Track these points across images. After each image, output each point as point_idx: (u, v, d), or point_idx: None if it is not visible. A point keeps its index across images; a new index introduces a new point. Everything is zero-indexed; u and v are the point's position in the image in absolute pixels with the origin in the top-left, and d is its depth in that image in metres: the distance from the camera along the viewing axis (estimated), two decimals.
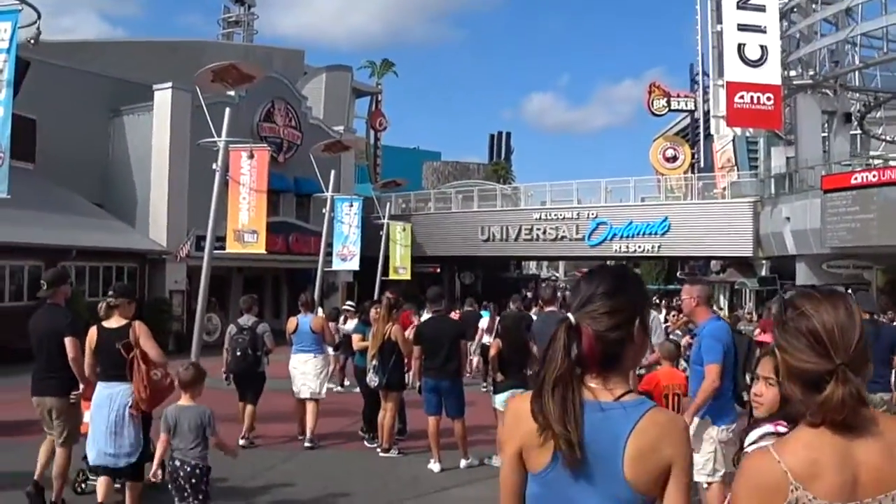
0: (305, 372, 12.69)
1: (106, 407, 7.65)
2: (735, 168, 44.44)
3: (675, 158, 53.82)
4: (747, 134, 35.92)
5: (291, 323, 13.63)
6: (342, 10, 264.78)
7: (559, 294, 17.70)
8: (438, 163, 69.11)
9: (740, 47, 32.13)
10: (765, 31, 32.28)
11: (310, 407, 12.38)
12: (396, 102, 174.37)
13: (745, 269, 47.64)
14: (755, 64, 32.17)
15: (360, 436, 12.77)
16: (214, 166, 20.52)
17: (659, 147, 54.99)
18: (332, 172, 28.55)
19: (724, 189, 40.19)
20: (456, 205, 44.12)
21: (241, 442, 11.71)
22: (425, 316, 15.00)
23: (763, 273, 45.14)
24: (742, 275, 47.10)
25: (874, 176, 28.17)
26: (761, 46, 32.20)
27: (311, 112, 39.13)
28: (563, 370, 2.38)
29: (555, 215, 39.43)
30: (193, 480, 6.69)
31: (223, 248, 21.83)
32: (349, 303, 17.34)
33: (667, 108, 54.93)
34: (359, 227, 29.11)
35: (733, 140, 48.17)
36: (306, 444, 12.13)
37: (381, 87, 52.70)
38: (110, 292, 8.16)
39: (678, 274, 58.63)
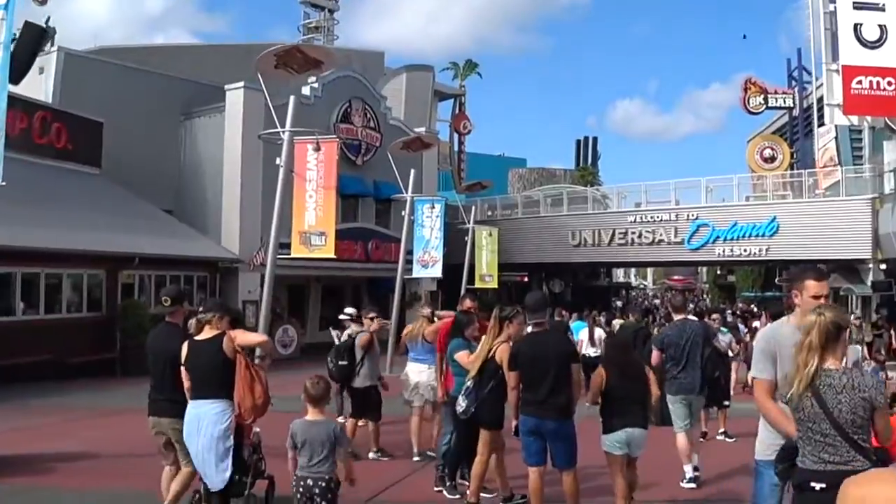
0: (420, 382, 11.54)
1: (195, 428, 7.13)
2: (839, 166, 40.53)
3: (773, 158, 50.01)
4: (866, 122, 32.16)
5: (409, 330, 12.34)
6: (427, 19, 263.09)
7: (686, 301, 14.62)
8: (524, 169, 66.49)
9: (856, 27, 28.62)
10: (883, 9, 28.71)
11: (416, 419, 11.57)
12: (482, 110, 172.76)
13: (850, 275, 44.00)
14: (874, 45, 28.61)
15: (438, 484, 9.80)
16: (278, 161, 18.08)
17: (756, 147, 51.22)
18: (412, 172, 25.94)
19: (826, 189, 36.56)
20: (544, 209, 41.05)
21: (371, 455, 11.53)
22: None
23: (872, 277, 41.62)
24: (847, 280, 43.47)
25: None
26: (880, 26, 28.65)
27: (390, 113, 36.55)
28: None
29: (651, 217, 36.12)
30: (329, 496, 6.50)
31: (289, 254, 19.67)
32: (348, 310, 14.52)
33: (764, 106, 51.11)
34: (441, 230, 26.40)
35: (836, 137, 44.51)
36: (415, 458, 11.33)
37: (465, 89, 50.03)
38: (200, 308, 7.67)
39: (777, 280, 54.84)
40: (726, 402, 13.77)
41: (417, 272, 26.39)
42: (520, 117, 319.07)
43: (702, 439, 13.00)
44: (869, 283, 41.71)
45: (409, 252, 26.52)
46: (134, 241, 25.31)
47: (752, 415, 13.93)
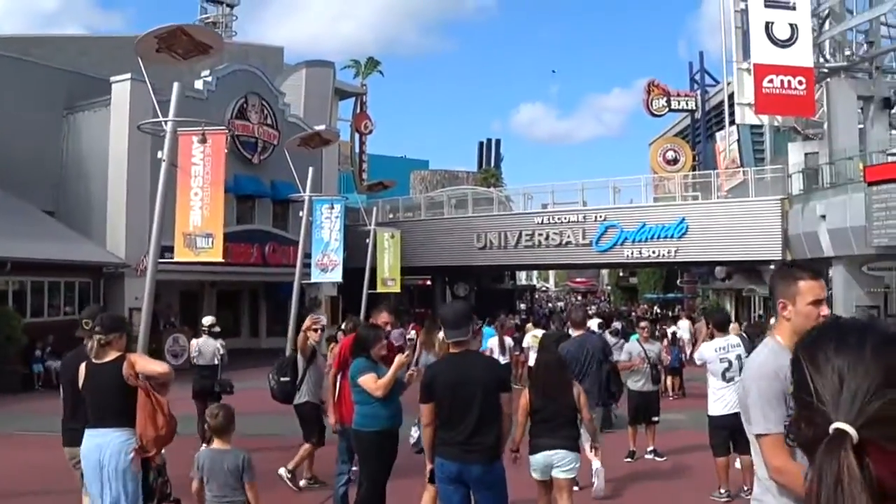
0: None
1: (96, 460, 6.33)
2: (741, 168, 40.03)
3: (675, 160, 49.64)
4: (776, 121, 31.40)
5: None
6: (332, 19, 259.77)
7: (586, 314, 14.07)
8: (426, 171, 64.93)
9: (768, 26, 27.96)
10: (794, 8, 28.21)
11: None
12: (385, 110, 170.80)
13: (752, 276, 43.73)
14: (784, 44, 28.00)
15: None
16: (160, 154, 16.16)
17: (659, 149, 50.81)
18: (311, 170, 24.07)
19: (729, 192, 35.94)
20: (448, 210, 39.49)
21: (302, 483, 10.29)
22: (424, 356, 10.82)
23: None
24: (749, 281, 43.17)
25: None
26: (791, 25, 28.07)
27: (289, 109, 34.67)
28: None
29: (558, 219, 34.83)
30: None
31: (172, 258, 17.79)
32: (207, 320, 12.94)
33: (666, 108, 50.75)
34: (341, 232, 24.59)
35: (738, 139, 44.18)
36: None
37: (366, 87, 48.14)
38: (97, 328, 6.61)
39: (678, 282, 54.53)
40: (655, 419, 12.51)
41: (316, 276, 24.53)
42: (423, 119, 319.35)
43: (629, 459, 12.25)
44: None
45: (308, 255, 24.78)
46: (7, 244, 23.01)
47: (679, 427, 12.34)
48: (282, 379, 10.30)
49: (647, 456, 12.41)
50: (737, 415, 9.07)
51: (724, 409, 9.44)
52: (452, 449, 6.07)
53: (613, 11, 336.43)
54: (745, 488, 9.76)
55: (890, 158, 26.44)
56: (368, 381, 7.47)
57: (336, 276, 24.63)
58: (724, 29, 30.47)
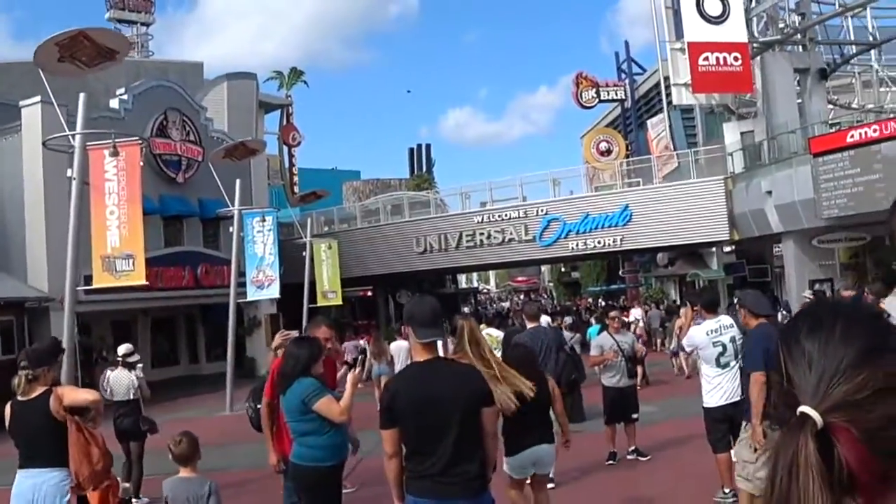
0: None
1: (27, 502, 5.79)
2: (675, 155, 39.32)
3: (609, 151, 48.78)
4: (713, 101, 30.65)
5: None
6: (253, 39, 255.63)
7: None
8: (358, 182, 63.55)
9: (699, 3, 27.39)
10: None
11: None
12: (313, 125, 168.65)
13: (695, 260, 43.20)
14: (717, 20, 27.33)
15: None
16: (70, 172, 14.74)
17: (592, 140, 49.96)
18: (238, 182, 22.67)
19: (665, 178, 35.16)
20: (385, 217, 38.09)
21: None
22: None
23: (717, 261, 40.54)
24: (692, 266, 42.63)
25: (875, 130, 23.16)
26: (722, 1, 27.33)
27: (212, 125, 33.00)
28: None
29: (499, 216, 33.52)
30: None
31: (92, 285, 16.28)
32: (122, 349, 11.47)
33: (596, 100, 49.91)
34: (275, 246, 23.26)
35: (670, 125, 43.61)
36: None
37: (292, 99, 46.50)
38: (23, 362, 6.13)
39: (620, 272, 53.81)
40: (634, 416, 11.33)
41: (252, 294, 23.13)
42: (353, 131, 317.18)
43: (611, 461, 11.12)
44: (714, 267, 40.91)
45: (243, 273, 23.39)
46: None
47: (654, 420, 11.09)
48: (258, 406, 8.96)
49: (630, 457, 11.26)
50: (736, 404, 7.88)
51: (721, 399, 8.36)
52: (425, 483, 4.68)
53: (534, 12, 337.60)
54: None
55: (833, 129, 25.86)
56: (329, 405, 6.11)
57: (273, 292, 23.28)
58: (655, 9, 29.64)
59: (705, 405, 8.58)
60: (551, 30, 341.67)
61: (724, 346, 8.46)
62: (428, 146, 70.24)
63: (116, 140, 14.90)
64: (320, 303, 30.50)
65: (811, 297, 24.27)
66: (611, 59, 52.70)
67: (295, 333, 10.12)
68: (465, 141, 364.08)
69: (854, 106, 34.66)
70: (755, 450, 7.07)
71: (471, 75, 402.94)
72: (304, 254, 29.01)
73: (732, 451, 7.99)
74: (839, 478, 1.25)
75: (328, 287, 30.73)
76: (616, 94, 50.44)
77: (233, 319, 21.84)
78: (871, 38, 31.21)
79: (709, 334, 8.53)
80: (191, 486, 5.96)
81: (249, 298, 23.48)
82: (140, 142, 15.50)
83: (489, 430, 4.85)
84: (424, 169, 67.43)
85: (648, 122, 47.58)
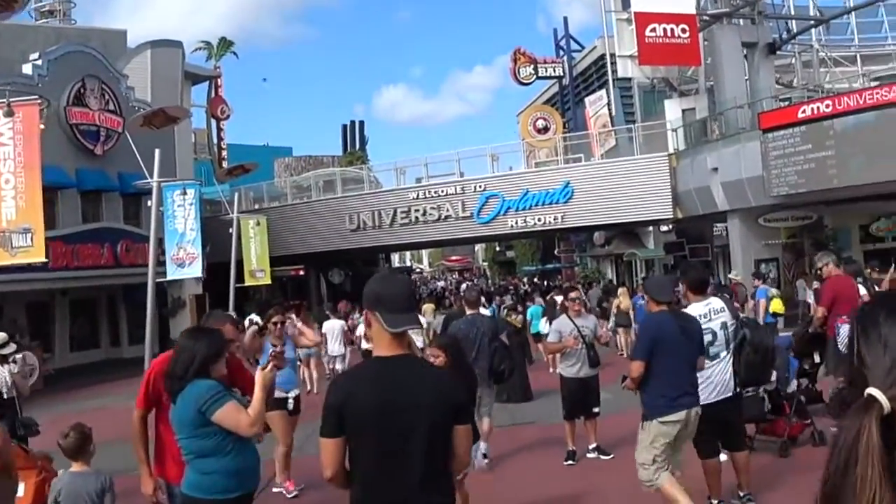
0: None
1: None
2: (613, 133, 38.27)
3: (546, 129, 47.43)
4: (658, 74, 29.53)
5: None
6: (186, 14, 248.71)
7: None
8: (290, 158, 61.63)
9: None
10: None
11: None
12: (246, 102, 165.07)
13: (632, 240, 42.43)
14: None
15: None
16: None
17: (529, 118, 48.44)
18: (157, 152, 20.81)
19: (603, 156, 34.08)
20: (317, 193, 36.36)
21: None
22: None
23: (654, 240, 39.66)
24: (629, 245, 41.85)
25: (828, 105, 22.15)
26: None
27: (133, 94, 30.98)
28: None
29: (435, 192, 31.95)
30: None
31: None
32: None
33: (534, 76, 48.49)
34: (197, 221, 21.47)
35: (609, 102, 42.59)
36: None
37: (221, 70, 44.37)
38: None
39: (556, 252, 52.76)
40: (595, 409, 9.99)
41: (172, 273, 21.29)
42: (287, 108, 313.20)
43: (570, 461, 9.93)
44: (651, 246, 40.11)
45: (164, 251, 21.64)
46: None
47: (609, 410, 9.56)
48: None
49: (590, 455, 9.97)
50: (727, 401, 6.42)
51: (710, 396, 7.10)
52: None
53: None
54: (742, 494, 7.44)
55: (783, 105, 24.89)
56: (235, 414, 4.63)
57: (195, 270, 21.50)
58: None
59: None
60: (489, 8, 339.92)
61: (714, 334, 7.19)
62: (361, 123, 68.46)
63: (12, 100, 13.15)
64: (248, 282, 28.81)
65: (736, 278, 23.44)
66: (548, 40, 51.44)
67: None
68: (399, 120, 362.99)
69: (795, 85, 33.86)
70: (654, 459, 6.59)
71: (406, 53, 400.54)
72: (230, 231, 27.24)
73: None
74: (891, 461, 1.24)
75: (256, 266, 29.02)
76: (554, 71, 49.11)
77: (152, 299, 19.90)
78: (817, 14, 30.33)
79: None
80: (83, 481, 5.54)
81: (169, 277, 21.64)
82: (39, 101, 13.73)
83: (460, 455, 3.66)
84: (358, 146, 65.67)
85: (586, 99, 46.52)
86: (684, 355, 6.59)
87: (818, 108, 22.22)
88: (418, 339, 20.22)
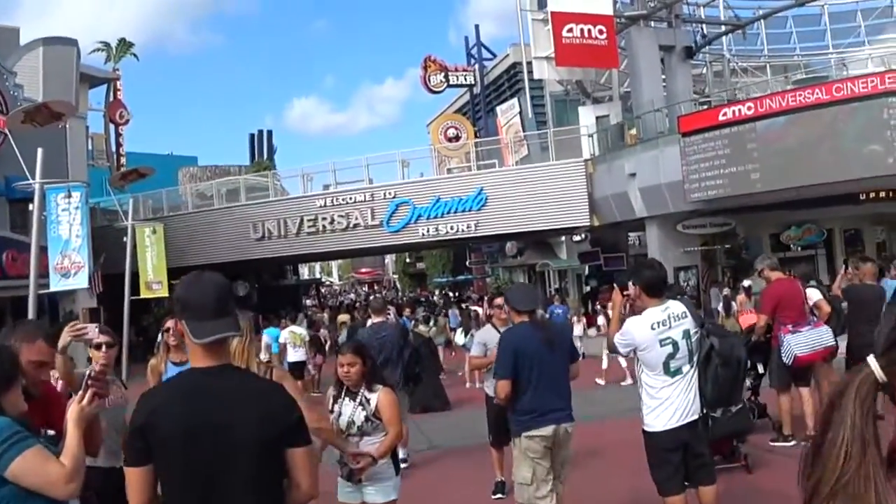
0: None
1: None
2: (524, 142, 37.24)
3: (457, 137, 46.33)
4: (573, 78, 28.52)
5: None
6: (89, 18, 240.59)
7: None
8: (195, 168, 59.36)
9: None
10: None
11: None
12: (150, 109, 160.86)
13: (544, 250, 41.64)
14: None
15: None
16: None
17: (439, 127, 47.36)
18: (40, 151, 18.86)
19: (517, 164, 32.97)
20: (219, 200, 34.38)
21: None
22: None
23: (565, 251, 38.79)
24: (541, 256, 41.00)
25: (749, 108, 21.28)
26: None
27: (22, 92, 28.76)
28: (863, 471, 1.35)
29: (343, 199, 30.11)
30: None
31: None
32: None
33: (445, 84, 47.52)
34: (85, 227, 19.60)
35: (520, 111, 41.70)
36: None
37: (120, 72, 42.18)
38: None
39: (467, 263, 51.69)
40: None
41: (56, 284, 19.38)
42: (194, 118, 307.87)
43: (500, 495, 8.71)
44: (564, 256, 39.23)
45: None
46: None
47: None
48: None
49: None
50: (692, 426, 6.02)
51: (672, 420, 5.92)
52: None
53: (383, 2, 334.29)
54: None
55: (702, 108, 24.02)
56: (38, 465, 3.19)
57: (81, 281, 19.59)
58: None
59: (648, 429, 6.07)
60: (400, 21, 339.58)
61: (676, 345, 5.96)
62: (269, 132, 66.57)
63: None
64: (144, 294, 26.90)
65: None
66: (460, 52, 50.26)
67: (92, 327, 7.13)
68: (309, 131, 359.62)
69: (707, 94, 33.33)
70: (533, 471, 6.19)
71: (317, 65, 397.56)
72: (125, 239, 25.34)
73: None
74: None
75: (153, 277, 27.09)
76: (465, 79, 48.23)
77: (33, 313, 18.11)
78: (733, 18, 29.70)
79: (654, 328, 5.98)
80: None
81: (53, 288, 19.75)
82: None
83: (303, 485, 3.12)
84: (266, 156, 63.72)
85: (498, 108, 45.71)
86: (551, 367, 6.23)
87: (739, 110, 21.34)
88: (297, 351, 19.19)
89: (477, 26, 50.32)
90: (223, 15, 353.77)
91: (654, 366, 5.98)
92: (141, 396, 3.19)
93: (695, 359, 6.08)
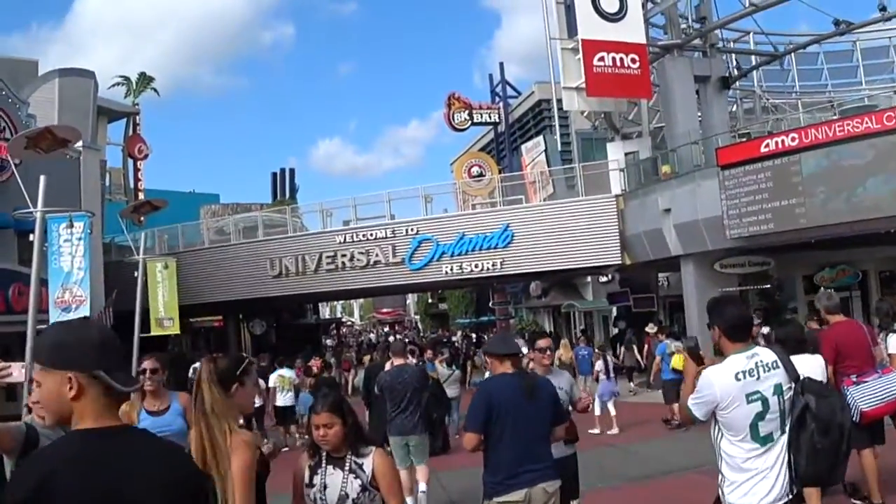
0: None
1: None
2: (550, 178, 35.80)
3: (482, 175, 45.06)
4: (604, 110, 27.15)
5: None
6: (115, 63, 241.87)
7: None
8: (217, 205, 58.37)
9: None
10: None
11: None
12: (178, 151, 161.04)
13: (569, 291, 40.22)
14: (614, 17, 24.05)
15: None
16: None
17: (463, 165, 46.06)
18: (42, 179, 17.61)
19: (545, 199, 31.62)
20: (236, 237, 33.05)
21: None
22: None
23: (591, 293, 37.38)
24: (566, 297, 39.53)
25: (793, 139, 19.74)
26: None
27: (35, 122, 27.63)
28: None
29: (363, 235, 28.75)
30: None
31: None
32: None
33: (469, 122, 46.34)
34: (87, 257, 18.32)
35: (546, 149, 40.32)
36: None
37: (140, 107, 41.20)
38: None
39: (490, 304, 50.16)
40: (574, 502, 7.02)
41: (56, 318, 18.08)
42: (219, 159, 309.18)
43: None
44: (590, 297, 37.76)
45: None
46: None
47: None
48: None
49: None
50: None
51: (767, 498, 4.54)
52: None
53: (408, 48, 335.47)
54: None
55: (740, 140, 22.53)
56: None
57: (82, 315, 18.26)
58: (545, 4, 25.88)
59: None
60: (425, 65, 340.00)
61: (766, 402, 4.57)
62: (292, 171, 65.78)
63: None
64: (154, 331, 25.50)
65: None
66: (485, 95, 49.08)
67: (17, 366, 6.14)
68: (334, 172, 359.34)
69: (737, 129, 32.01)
70: None
71: (342, 107, 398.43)
72: (135, 274, 24.08)
73: None
74: None
75: (164, 313, 25.72)
76: (490, 117, 47.03)
77: (30, 350, 16.80)
78: (772, 50, 28.33)
79: (739, 379, 4.56)
80: None
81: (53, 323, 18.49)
82: None
83: None
84: (288, 195, 62.68)
85: (523, 146, 44.36)
86: (528, 420, 5.59)
87: (783, 141, 19.80)
88: (286, 396, 18.22)
89: (501, 64, 49.29)
90: (249, 58, 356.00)
91: (738, 429, 4.57)
92: (24, 462, 2.90)
93: (787, 422, 4.63)
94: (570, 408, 6.95)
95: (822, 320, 8.91)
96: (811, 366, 6.87)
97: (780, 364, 4.68)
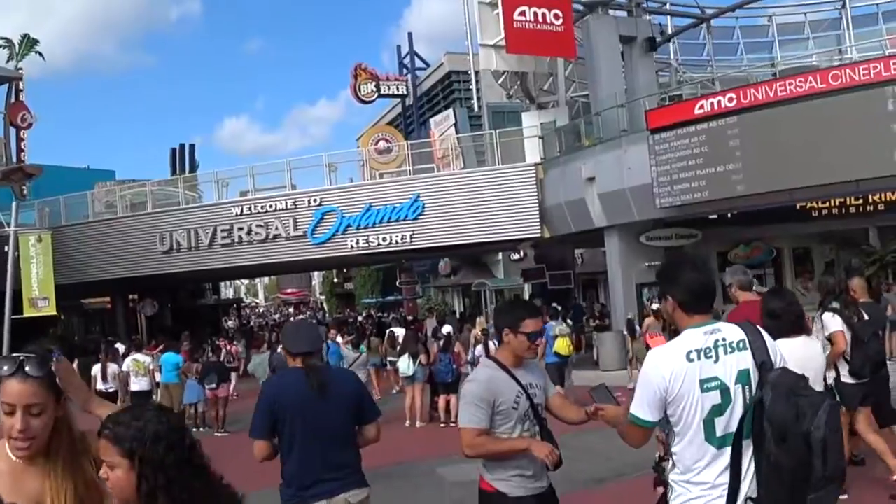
0: None
1: None
2: (461, 156, 33.61)
3: (388, 151, 42.71)
4: (524, 67, 25.00)
5: None
6: (14, 33, 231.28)
7: None
8: (113, 182, 54.78)
9: None
10: None
11: None
12: (77, 129, 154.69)
13: (480, 269, 38.50)
14: None
15: None
16: None
17: (370, 139, 43.62)
18: None
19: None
20: (122, 210, 29.96)
21: None
22: None
23: (502, 270, 35.78)
24: (476, 275, 37.74)
25: (731, 100, 17.88)
26: None
27: None
28: None
29: (262, 207, 26.07)
30: None
31: None
32: None
33: (376, 94, 43.98)
34: None
35: (455, 123, 38.34)
36: None
37: (23, 72, 37.64)
38: None
39: (398, 283, 47.99)
40: None
41: None
42: (123, 137, 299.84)
43: None
44: (501, 276, 36.16)
45: None
46: None
47: None
48: None
49: None
50: None
51: None
52: None
53: (317, 25, 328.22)
54: None
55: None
56: None
57: None
58: None
59: None
60: (334, 43, 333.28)
61: (726, 393, 3.38)
62: (192, 146, 61.85)
63: None
64: (28, 313, 22.62)
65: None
66: (393, 69, 46.75)
67: None
68: (240, 151, 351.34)
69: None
70: None
71: (249, 86, 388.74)
72: (6, 249, 21.16)
73: None
74: None
75: (38, 293, 22.84)
76: (397, 90, 44.70)
77: None
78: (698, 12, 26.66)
79: (691, 360, 3.38)
80: None
81: None
82: None
83: None
84: (187, 170, 59.28)
85: (432, 119, 42.27)
86: (320, 422, 4.71)
87: (719, 102, 17.96)
88: (141, 381, 16.36)
89: (410, 34, 46.85)
90: (154, 34, 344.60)
91: (687, 424, 3.38)
92: None
93: (748, 416, 3.37)
94: (546, 411, 4.62)
95: (731, 297, 6.88)
96: (805, 354, 5.29)
97: (748, 345, 3.43)
